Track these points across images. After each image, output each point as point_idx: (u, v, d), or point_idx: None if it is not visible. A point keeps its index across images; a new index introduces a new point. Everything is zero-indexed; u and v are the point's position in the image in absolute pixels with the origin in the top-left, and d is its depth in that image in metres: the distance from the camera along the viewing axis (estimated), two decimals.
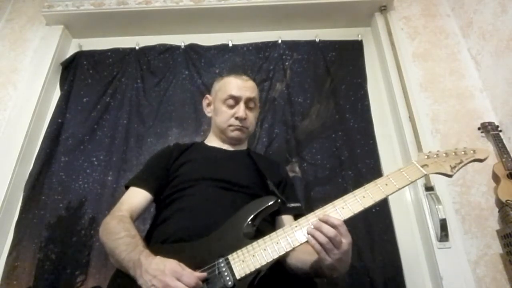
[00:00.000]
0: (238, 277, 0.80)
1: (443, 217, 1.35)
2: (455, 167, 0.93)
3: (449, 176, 0.93)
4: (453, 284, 1.30)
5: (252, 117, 1.22)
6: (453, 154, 0.96)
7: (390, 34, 1.85)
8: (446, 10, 1.97)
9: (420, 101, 1.68)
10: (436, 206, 1.38)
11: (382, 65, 1.87)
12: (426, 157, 0.96)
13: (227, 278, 0.80)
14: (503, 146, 1.49)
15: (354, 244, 1.37)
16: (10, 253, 1.47)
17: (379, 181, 0.89)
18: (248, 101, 1.20)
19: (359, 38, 1.93)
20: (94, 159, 1.66)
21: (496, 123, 1.57)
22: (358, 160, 1.59)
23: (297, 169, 1.58)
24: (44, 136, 1.73)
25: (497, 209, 1.43)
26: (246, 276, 0.81)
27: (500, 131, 1.55)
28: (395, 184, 0.88)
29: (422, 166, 0.92)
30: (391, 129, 1.73)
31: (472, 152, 0.95)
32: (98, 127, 1.75)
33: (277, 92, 1.79)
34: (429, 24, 1.92)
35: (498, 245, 1.37)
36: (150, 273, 0.76)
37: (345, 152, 1.61)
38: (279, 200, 0.95)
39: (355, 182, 1.51)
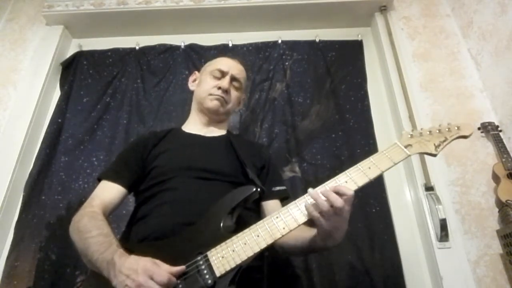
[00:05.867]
0: (218, 274, 0.76)
1: (443, 217, 1.35)
2: (439, 145, 0.90)
3: (433, 155, 0.90)
4: (453, 284, 1.30)
5: (234, 95, 1.20)
6: (437, 131, 0.92)
7: (390, 34, 1.85)
8: (446, 10, 1.97)
9: (420, 101, 1.68)
10: (436, 206, 1.38)
11: (382, 65, 1.87)
12: (409, 136, 0.92)
13: (207, 277, 0.75)
14: (503, 146, 1.49)
15: (354, 244, 1.41)
16: (10, 253, 1.47)
17: (361, 164, 0.87)
18: (234, 79, 1.19)
19: (359, 38, 1.93)
20: (94, 159, 1.66)
21: (496, 123, 1.57)
22: (358, 160, 1.56)
23: (297, 169, 1.58)
24: (44, 136, 1.72)
25: (497, 209, 1.42)
26: (227, 273, 0.76)
27: (500, 131, 1.55)
28: (378, 167, 0.85)
29: (406, 147, 0.89)
30: (391, 129, 1.73)
31: (456, 128, 0.92)
32: (98, 127, 1.74)
33: (277, 92, 1.79)
34: (429, 24, 1.92)
35: (498, 245, 1.37)
36: (124, 272, 0.73)
37: (345, 152, 1.61)
38: (259, 189, 0.89)
39: None
